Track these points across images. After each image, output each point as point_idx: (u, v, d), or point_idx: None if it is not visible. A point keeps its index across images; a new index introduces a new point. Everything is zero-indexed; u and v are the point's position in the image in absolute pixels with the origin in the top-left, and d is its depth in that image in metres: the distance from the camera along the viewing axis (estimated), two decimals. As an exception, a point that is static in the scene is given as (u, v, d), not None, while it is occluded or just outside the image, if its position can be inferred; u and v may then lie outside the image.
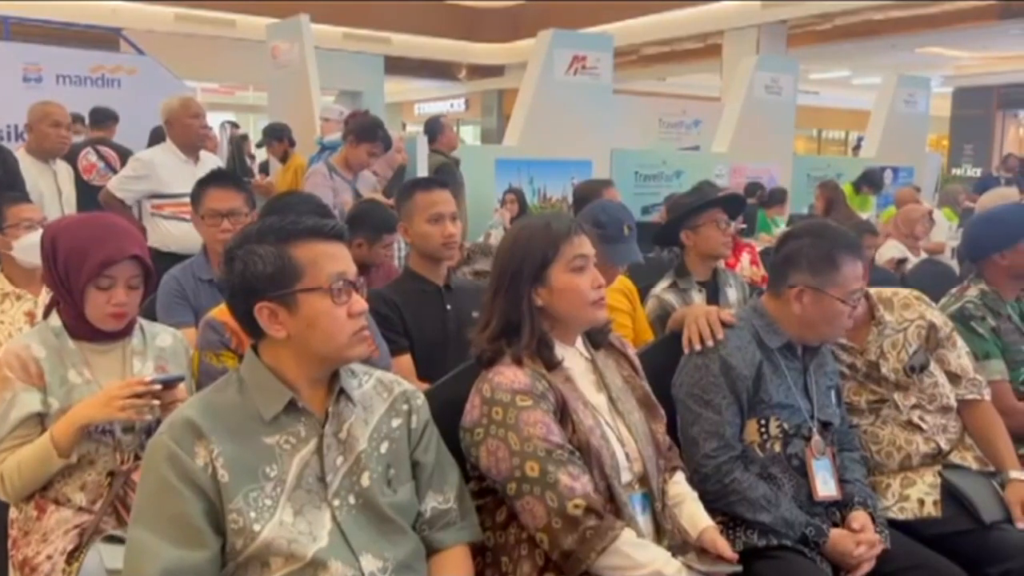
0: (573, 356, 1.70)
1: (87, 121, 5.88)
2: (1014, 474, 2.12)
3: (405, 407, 1.53)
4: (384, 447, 1.47)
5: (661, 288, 3.00)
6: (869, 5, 11.69)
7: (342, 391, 1.45)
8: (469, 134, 20.21)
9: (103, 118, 5.80)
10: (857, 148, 13.96)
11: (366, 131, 4.25)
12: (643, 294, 3.03)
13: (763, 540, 1.81)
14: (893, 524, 2.01)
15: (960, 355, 2.28)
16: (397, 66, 14.63)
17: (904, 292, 2.33)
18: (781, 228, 6.51)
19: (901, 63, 13.84)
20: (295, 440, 1.39)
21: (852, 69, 17.31)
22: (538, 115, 7.04)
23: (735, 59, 10.38)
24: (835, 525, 1.90)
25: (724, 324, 1.97)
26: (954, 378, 2.25)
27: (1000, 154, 14.58)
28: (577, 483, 1.49)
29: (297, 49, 6.88)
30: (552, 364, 1.62)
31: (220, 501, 1.32)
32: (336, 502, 1.39)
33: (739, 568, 1.63)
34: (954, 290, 2.68)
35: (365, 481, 1.42)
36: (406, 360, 2.39)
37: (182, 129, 3.84)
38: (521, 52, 13.26)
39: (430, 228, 2.46)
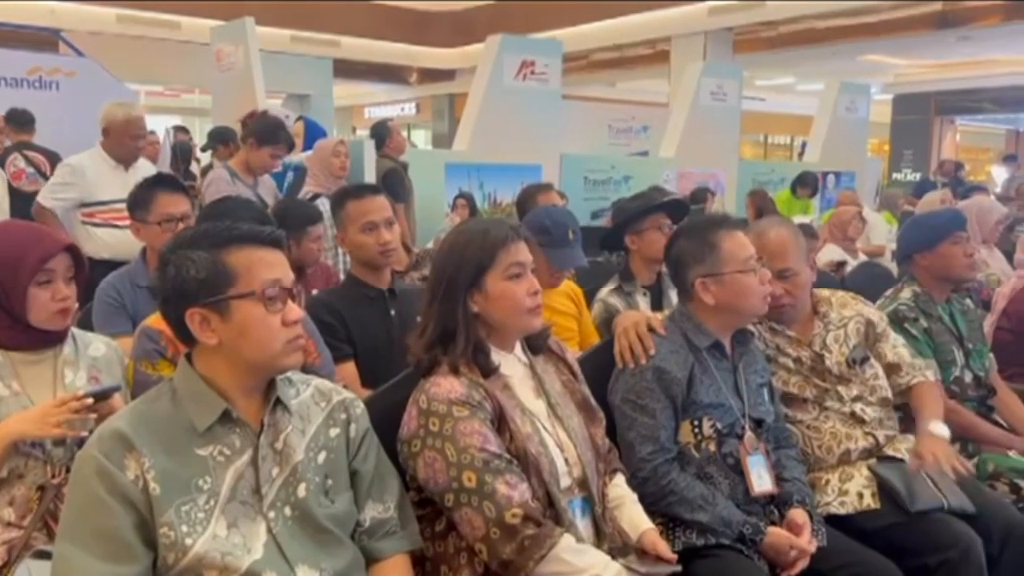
0: (511, 362, 1.70)
1: (4, 124, 5.64)
2: (931, 426, 2.16)
3: (343, 416, 1.51)
4: (322, 457, 1.46)
5: (606, 292, 3.04)
6: (812, 13, 11.96)
7: (278, 401, 1.44)
8: (421, 138, 20.14)
9: (26, 120, 5.55)
10: (802, 153, 14.27)
11: (268, 133, 4.11)
12: (590, 297, 3.06)
13: (702, 539, 1.83)
14: (835, 518, 2.06)
15: (895, 345, 2.35)
16: (346, 69, 14.51)
17: (840, 293, 2.40)
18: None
19: (844, 70, 14.17)
20: (229, 451, 1.37)
21: (797, 76, 17.67)
22: (487, 120, 7.04)
23: (683, 65, 10.53)
24: (773, 523, 1.94)
25: (653, 332, 2.00)
26: (895, 368, 2.31)
27: (937, 159, 15.02)
28: (515, 492, 1.50)
29: (242, 52, 6.78)
30: (488, 371, 1.62)
31: (151, 515, 1.29)
32: (271, 514, 1.37)
33: (678, 568, 1.65)
34: (889, 292, 2.76)
35: (301, 492, 1.40)
36: (350, 368, 2.37)
37: (117, 143, 3.76)
38: (471, 56, 13.26)
39: (364, 237, 2.44)
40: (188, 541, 1.29)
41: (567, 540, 1.51)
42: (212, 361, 1.39)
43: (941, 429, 2.15)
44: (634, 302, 3.02)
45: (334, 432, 1.49)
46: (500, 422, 1.59)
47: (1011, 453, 2.45)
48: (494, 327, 1.66)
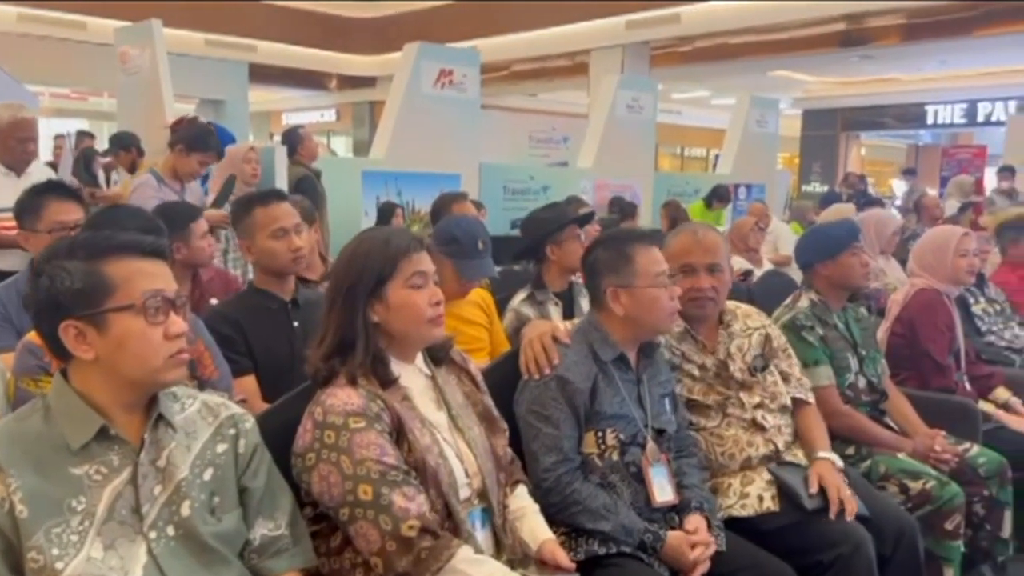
0: (412, 373, 1.68)
1: None
2: (821, 453, 2.27)
3: (232, 431, 1.46)
4: (208, 474, 1.40)
5: (519, 300, 3.06)
6: (726, 30, 12.32)
7: (161, 416, 1.38)
8: (342, 145, 19.92)
9: None
10: (715, 165, 14.66)
11: (197, 140, 4.07)
12: (504, 306, 3.08)
13: (603, 548, 1.85)
14: (736, 521, 2.11)
15: (791, 364, 2.43)
16: (263, 74, 14.27)
17: (745, 306, 2.48)
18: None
19: (756, 85, 14.62)
20: (107, 470, 1.31)
21: (711, 90, 18.16)
22: (405, 128, 7.00)
23: (601, 77, 10.68)
24: (673, 530, 1.97)
25: (558, 342, 2.02)
26: (785, 377, 2.40)
27: (843, 172, 15.63)
28: (412, 504, 1.48)
29: (148, 55, 6.56)
30: (387, 382, 1.60)
31: (18, 539, 1.22)
32: (152, 534, 1.32)
33: None
34: (788, 300, 2.84)
35: (185, 511, 1.35)
36: (249, 381, 2.31)
37: (3, 148, 3.61)
38: (392, 64, 13.17)
39: (275, 244, 2.39)
40: (59, 565, 1.23)
41: (465, 551, 1.50)
42: (89, 376, 1.32)
43: (833, 456, 2.27)
44: (546, 311, 3.04)
45: (222, 448, 1.44)
46: (399, 433, 1.57)
47: (900, 455, 2.55)
48: (394, 337, 1.64)
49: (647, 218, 8.94)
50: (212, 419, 1.46)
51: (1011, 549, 2.72)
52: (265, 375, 2.35)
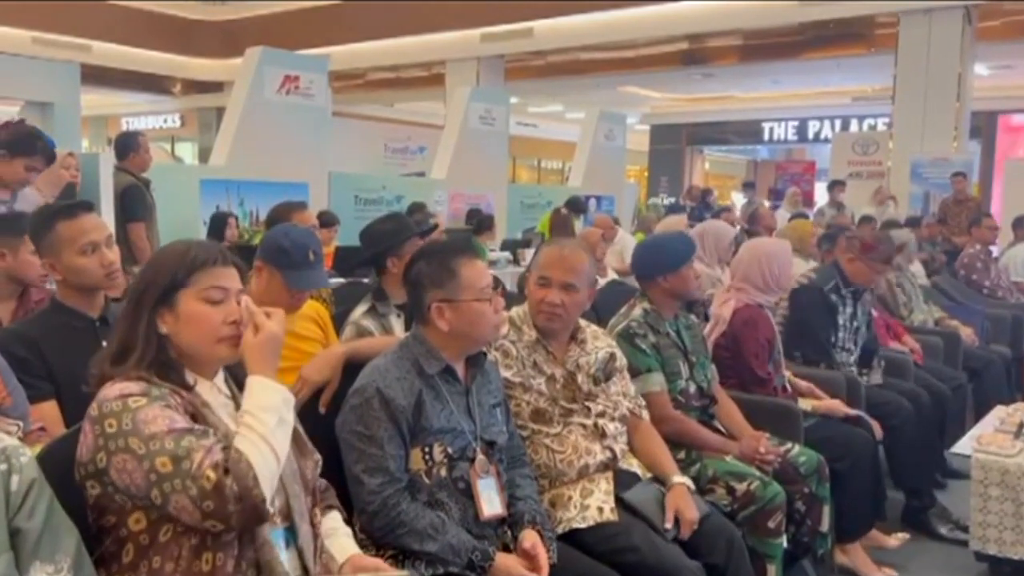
0: (211, 390, 1.57)
1: None
2: (676, 479, 2.32)
3: (3, 467, 1.31)
4: (-28, 517, 1.25)
5: (359, 313, 2.95)
6: (577, 45, 12.69)
7: (-86, 454, 1.22)
8: (188, 151, 19.09)
9: None
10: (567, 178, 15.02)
11: (22, 143, 3.74)
12: (341, 320, 2.98)
13: (431, 570, 1.80)
14: (576, 533, 2.12)
15: (626, 385, 2.49)
16: (98, 76, 13.43)
17: (594, 327, 2.53)
18: (492, 256, 6.79)
19: (607, 100, 15.11)
20: None
21: (565, 104, 18.62)
22: (248, 134, 6.74)
23: (456, 89, 10.74)
24: (506, 545, 1.95)
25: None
26: (622, 394, 2.44)
27: (688, 185, 16.38)
28: (209, 456, 1.35)
29: (-43, 51, 6.02)
30: (184, 386, 1.49)
31: None
32: (-103, 589, 1.16)
33: None
34: (623, 309, 2.90)
35: (-59, 560, 1.20)
36: (49, 407, 2.10)
37: None
38: (238, 69, 12.79)
39: (85, 260, 2.20)
40: None
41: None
42: None
43: (686, 479, 2.34)
44: (388, 323, 2.96)
45: (-11, 486, 1.29)
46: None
47: (728, 458, 2.64)
48: (184, 352, 1.53)
49: (502, 229, 9.02)
50: (-21, 454, 1.30)
51: (829, 542, 2.88)
52: (69, 400, 2.14)
